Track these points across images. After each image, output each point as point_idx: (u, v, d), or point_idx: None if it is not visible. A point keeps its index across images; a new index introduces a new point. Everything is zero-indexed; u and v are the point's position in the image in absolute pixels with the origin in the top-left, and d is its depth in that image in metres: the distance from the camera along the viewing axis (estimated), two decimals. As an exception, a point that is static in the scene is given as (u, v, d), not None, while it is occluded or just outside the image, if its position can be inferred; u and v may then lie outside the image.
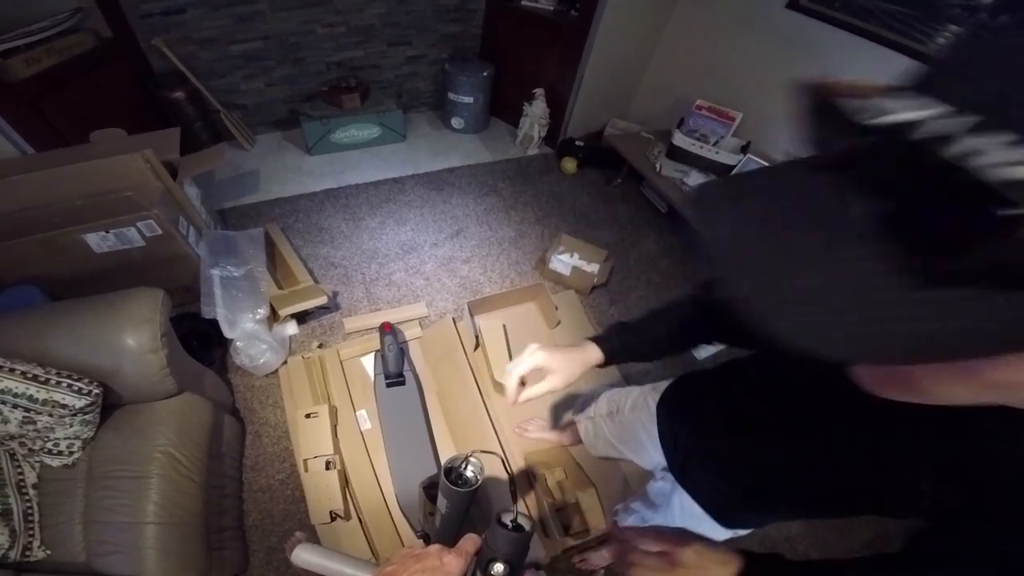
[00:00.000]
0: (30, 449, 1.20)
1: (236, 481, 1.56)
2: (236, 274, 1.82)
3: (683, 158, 2.54)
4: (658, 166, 2.53)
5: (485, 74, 3.00)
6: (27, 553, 1.14)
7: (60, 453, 1.21)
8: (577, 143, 2.98)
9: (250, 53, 2.69)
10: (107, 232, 1.67)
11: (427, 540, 1.36)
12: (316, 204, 2.61)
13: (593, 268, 2.36)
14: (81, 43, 2.15)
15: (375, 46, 2.95)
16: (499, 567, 0.55)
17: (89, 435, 1.23)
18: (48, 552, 1.15)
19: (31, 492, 1.19)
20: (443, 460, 1.64)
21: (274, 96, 2.94)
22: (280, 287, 1.94)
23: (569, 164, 2.96)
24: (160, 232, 1.72)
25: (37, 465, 1.22)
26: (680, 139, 2.51)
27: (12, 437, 1.17)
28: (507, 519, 0.59)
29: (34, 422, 1.14)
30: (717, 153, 2.45)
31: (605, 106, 3.06)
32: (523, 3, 2.85)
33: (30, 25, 1.95)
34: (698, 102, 2.52)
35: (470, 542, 0.57)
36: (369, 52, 2.96)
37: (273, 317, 1.87)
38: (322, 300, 1.89)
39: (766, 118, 2.42)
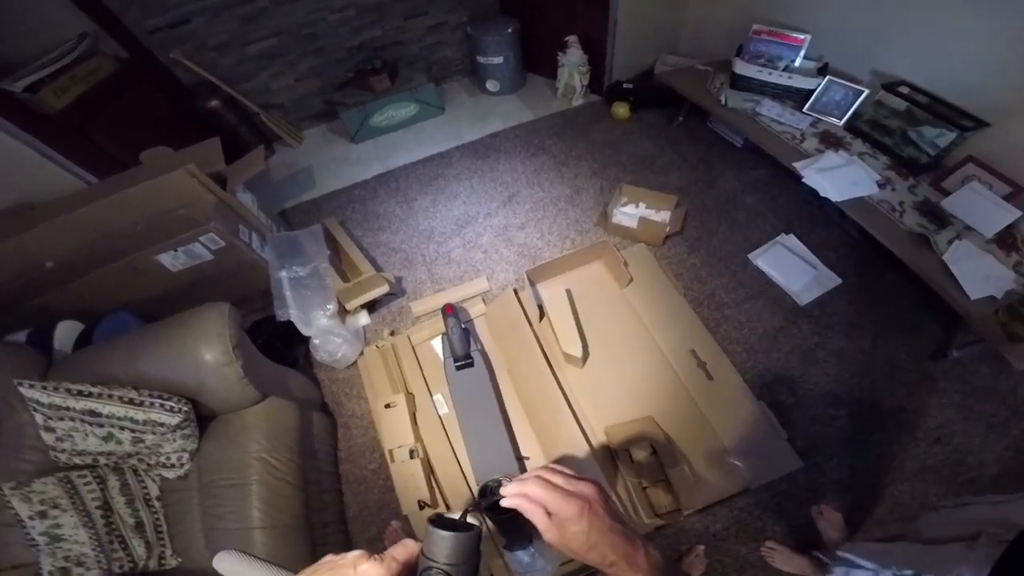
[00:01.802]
0: (148, 464, 1.28)
1: (332, 475, 1.60)
2: (302, 273, 1.83)
3: (750, 87, 2.26)
4: (723, 98, 2.25)
5: (510, 30, 2.80)
6: (162, 562, 1.22)
7: (173, 465, 1.28)
8: (626, 86, 2.73)
9: (268, 51, 2.66)
10: (176, 250, 1.73)
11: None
12: (369, 191, 2.59)
13: (663, 216, 2.18)
14: (102, 67, 2.18)
15: (391, 22, 2.82)
16: None
17: (193, 447, 1.29)
18: (180, 560, 1.23)
19: (156, 504, 1.27)
20: (521, 446, 1.59)
21: (306, 90, 2.91)
22: (346, 279, 1.94)
23: (620, 109, 2.72)
24: (223, 243, 1.75)
25: (157, 478, 1.30)
26: (743, 67, 2.22)
27: (130, 455, 1.24)
28: (452, 516, 0.49)
29: (143, 440, 1.20)
30: (791, 78, 2.15)
31: (650, 43, 2.77)
32: None
33: (41, 57, 1.98)
34: (755, 27, 2.19)
35: (401, 548, 0.47)
36: (387, 29, 2.84)
37: (343, 310, 1.87)
38: (384, 289, 1.86)
39: (842, 34, 2.08)
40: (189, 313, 1.28)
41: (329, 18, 2.66)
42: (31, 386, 1.16)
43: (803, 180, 1.86)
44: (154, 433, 1.19)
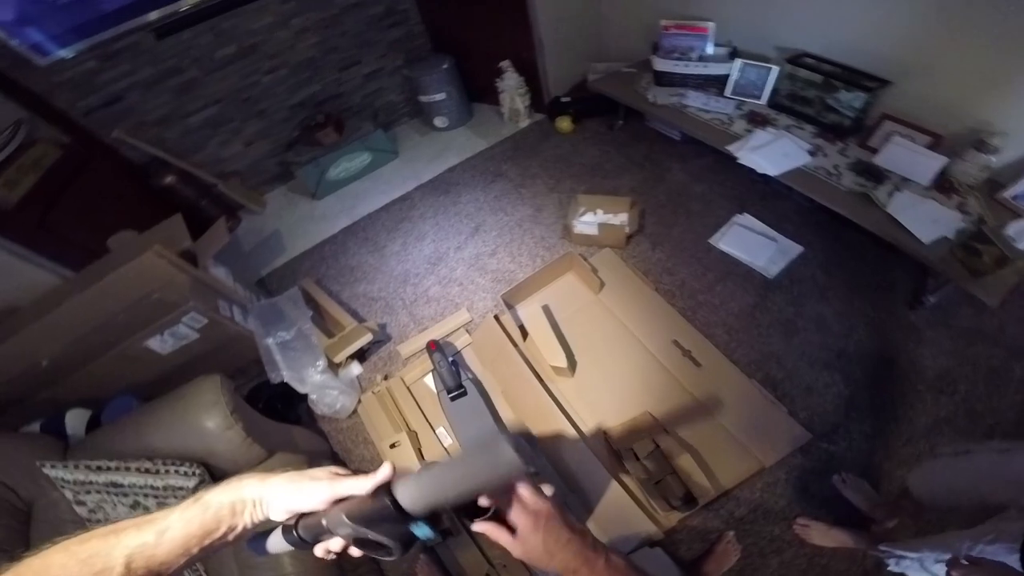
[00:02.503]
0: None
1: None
2: (288, 337, 1.89)
3: (673, 81, 2.40)
4: (651, 97, 2.39)
5: (445, 66, 2.91)
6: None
7: None
8: (564, 99, 2.86)
9: (211, 120, 2.71)
10: (162, 334, 1.77)
11: None
12: (339, 246, 2.65)
13: (622, 218, 2.28)
14: (47, 153, 2.15)
15: (327, 75, 2.91)
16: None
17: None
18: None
19: (199, 566, 1.31)
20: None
21: (258, 154, 2.97)
22: (330, 335, 2.00)
23: (564, 123, 2.86)
24: (206, 320, 1.80)
25: None
26: (661, 63, 2.37)
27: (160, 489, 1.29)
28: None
29: (167, 504, 1.24)
30: (706, 66, 2.29)
31: (577, 53, 2.91)
32: None
33: None
34: (663, 22, 2.34)
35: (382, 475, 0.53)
36: (325, 83, 2.92)
37: (334, 364, 1.93)
38: (368, 337, 1.92)
39: (741, 16, 2.22)
40: (185, 388, 1.36)
41: (263, 80, 2.73)
42: (54, 466, 1.28)
43: (739, 161, 1.99)
44: (175, 496, 1.26)
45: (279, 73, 2.76)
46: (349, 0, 2.74)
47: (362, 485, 0.51)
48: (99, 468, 1.26)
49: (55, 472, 1.27)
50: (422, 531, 0.49)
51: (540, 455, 1.63)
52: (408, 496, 0.48)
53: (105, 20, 2.22)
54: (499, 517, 0.53)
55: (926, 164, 1.76)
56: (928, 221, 1.66)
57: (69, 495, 1.27)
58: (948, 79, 1.72)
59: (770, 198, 2.29)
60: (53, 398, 1.71)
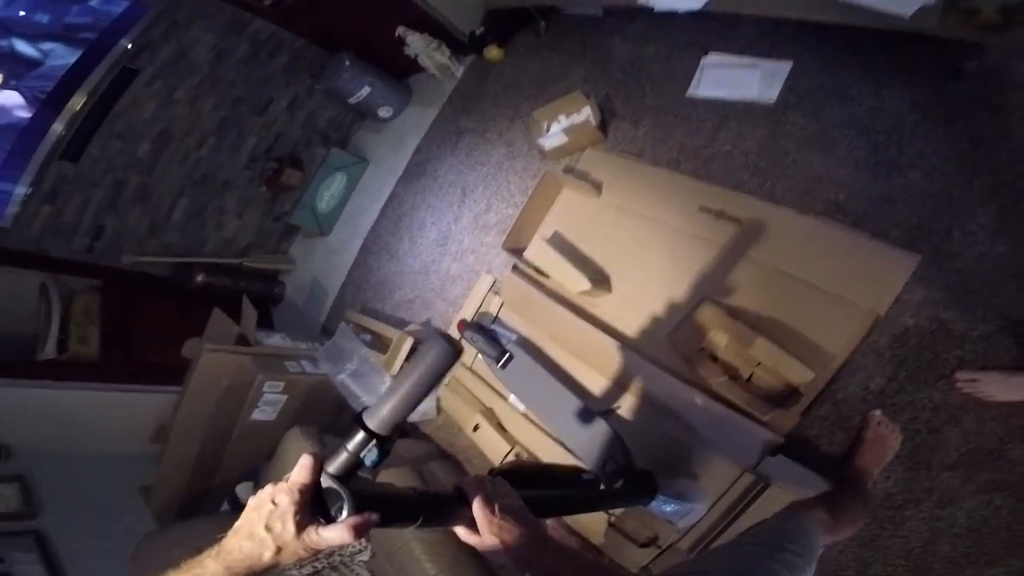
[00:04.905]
0: (344, 556, 1.56)
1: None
2: (354, 367, 2.11)
3: None
4: None
5: (348, 63, 2.82)
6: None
7: (362, 551, 1.57)
8: (478, 32, 2.73)
9: (190, 211, 2.85)
10: (258, 406, 2.04)
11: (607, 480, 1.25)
12: (363, 268, 2.82)
13: (584, 114, 2.19)
14: (89, 301, 2.40)
15: (251, 124, 2.93)
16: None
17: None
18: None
19: None
20: (604, 399, 1.60)
21: (254, 221, 3.11)
22: (385, 351, 2.19)
23: (492, 53, 2.74)
24: (283, 382, 2.05)
25: (360, 565, 1.59)
26: None
27: (329, 554, 1.53)
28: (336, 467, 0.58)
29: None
30: None
31: None
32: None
33: (31, 326, 2.24)
34: None
35: (301, 469, 0.55)
36: (257, 132, 2.95)
37: (399, 374, 2.13)
38: (410, 343, 2.09)
39: None
40: (279, 447, 1.64)
41: (201, 155, 2.79)
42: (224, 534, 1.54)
43: (655, 10, 1.85)
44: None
45: (209, 143, 2.81)
46: (209, 55, 2.68)
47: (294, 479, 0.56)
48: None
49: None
50: (371, 457, 0.58)
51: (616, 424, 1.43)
52: (375, 420, 0.58)
53: (15, 158, 2.37)
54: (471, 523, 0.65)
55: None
56: None
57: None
58: None
59: (726, 30, 2.04)
60: (227, 480, 2.11)
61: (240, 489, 2.06)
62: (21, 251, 2.41)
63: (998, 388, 1.08)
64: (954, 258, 1.27)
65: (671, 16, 1.89)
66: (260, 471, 2.05)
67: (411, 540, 1.41)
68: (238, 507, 1.97)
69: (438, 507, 0.65)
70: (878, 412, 1.20)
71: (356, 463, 0.57)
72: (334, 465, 0.57)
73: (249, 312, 2.22)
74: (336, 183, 3.06)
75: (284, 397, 2.09)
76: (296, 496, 0.54)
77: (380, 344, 2.33)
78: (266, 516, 0.53)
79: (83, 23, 2.45)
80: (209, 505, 2.14)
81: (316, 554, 0.57)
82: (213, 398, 1.95)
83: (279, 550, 0.53)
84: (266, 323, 2.87)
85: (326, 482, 0.56)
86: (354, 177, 3.12)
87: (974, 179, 1.33)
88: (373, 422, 0.58)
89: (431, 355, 0.59)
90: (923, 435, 1.17)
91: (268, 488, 0.56)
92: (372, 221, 2.91)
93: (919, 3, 1.39)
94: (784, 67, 1.87)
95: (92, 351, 2.29)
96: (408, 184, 2.86)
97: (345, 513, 0.54)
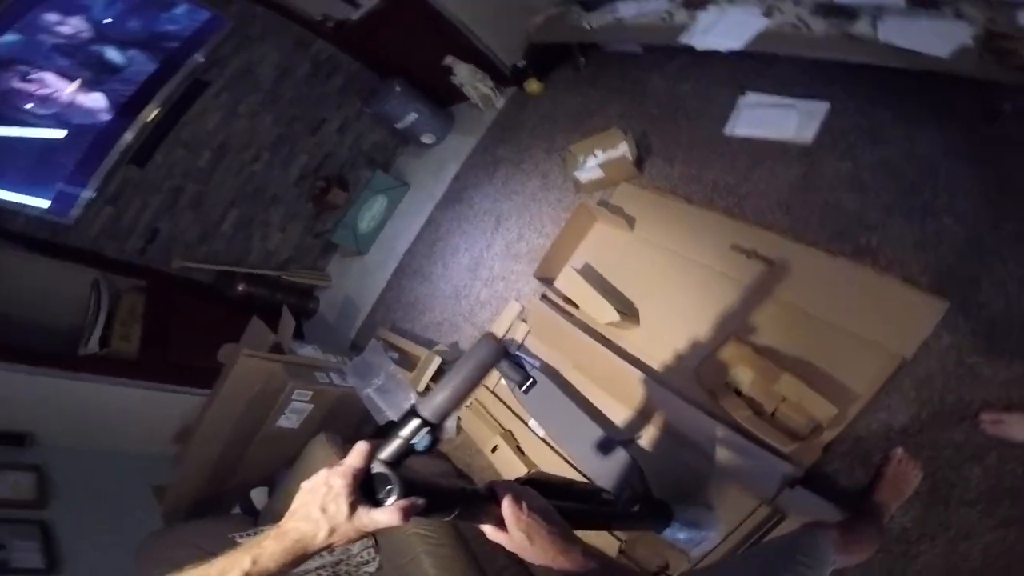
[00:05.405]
0: (351, 567, 1.58)
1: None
2: (381, 382, 2.16)
3: (599, 2, 2.32)
4: (587, 24, 2.33)
5: (399, 89, 2.98)
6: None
7: (368, 561, 1.59)
8: (520, 65, 2.84)
9: (239, 221, 2.99)
10: (284, 413, 2.10)
11: (626, 504, 1.30)
12: (396, 289, 2.90)
13: (621, 150, 2.23)
14: (135, 300, 2.50)
15: (304, 143, 3.08)
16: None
17: (372, 542, 1.61)
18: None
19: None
20: (625, 428, 1.63)
21: (295, 237, 3.24)
22: (413, 369, 2.24)
23: (532, 86, 2.84)
24: (311, 392, 2.11)
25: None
26: None
27: (336, 563, 1.56)
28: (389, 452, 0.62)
29: (332, 550, 1.53)
30: None
31: (507, 17, 2.77)
32: (353, 19, 2.75)
33: (81, 321, 2.30)
34: None
35: (356, 454, 0.59)
36: (308, 151, 3.10)
37: (424, 392, 2.17)
38: (437, 361, 2.13)
39: None
40: (303, 452, 1.68)
41: (254, 169, 2.95)
42: (241, 536, 1.58)
43: (698, 49, 1.89)
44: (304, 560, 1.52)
45: (264, 158, 2.97)
46: (273, 72, 2.87)
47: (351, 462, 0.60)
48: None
49: (243, 541, 1.52)
50: (423, 443, 0.63)
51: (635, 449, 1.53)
52: (429, 409, 0.64)
53: (89, 159, 2.51)
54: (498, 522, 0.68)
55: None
56: (931, 37, 1.43)
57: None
58: None
59: (764, 69, 2.07)
60: (242, 484, 2.15)
61: (255, 493, 2.11)
62: (77, 248, 2.57)
63: (1022, 427, 1.11)
64: (982, 306, 1.28)
65: (710, 54, 1.93)
66: (277, 477, 2.10)
67: (420, 553, 1.43)
68: (250, 511, 2.03)
69: (473, 502, 0.68)
70: (900, 449, 1.23)
71: (407, 450, 0.62)
72: (386, 452, 0.62)
73: (288, 322, 2.32)
74: (377, 205, 3.18)
75: (310, 407, 2.15)
76: (349, 479, 0.57)
77: (408, 362, 2.38)
78: (321, 498, 0.56)
79: (169, 31, 2.65)
80: (220, 508, 2.16)
81: (362, 536, 0.60)
82: (244, 401, 2.03)
83: (332, 531, 0.56)
84: (298, 336, 2.95)
85: (377, 468, 0.60)
86: (394, 200, 3.23)
87: (1004, 225, 1.35)
88: (426, 410, 0.64)
89: (481, 352, 0.67)
90: (944, 472, 1.18)
91: (323, 472, 0.59)
92: (408, 244, 3.00)
93: (957, 44, 1.40)
94: (821, 107, 1.87)
95: (132, 349, 2.39)
96: (445, 210, 2.95)
97: (395, 497, 0.57)
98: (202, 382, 2.36)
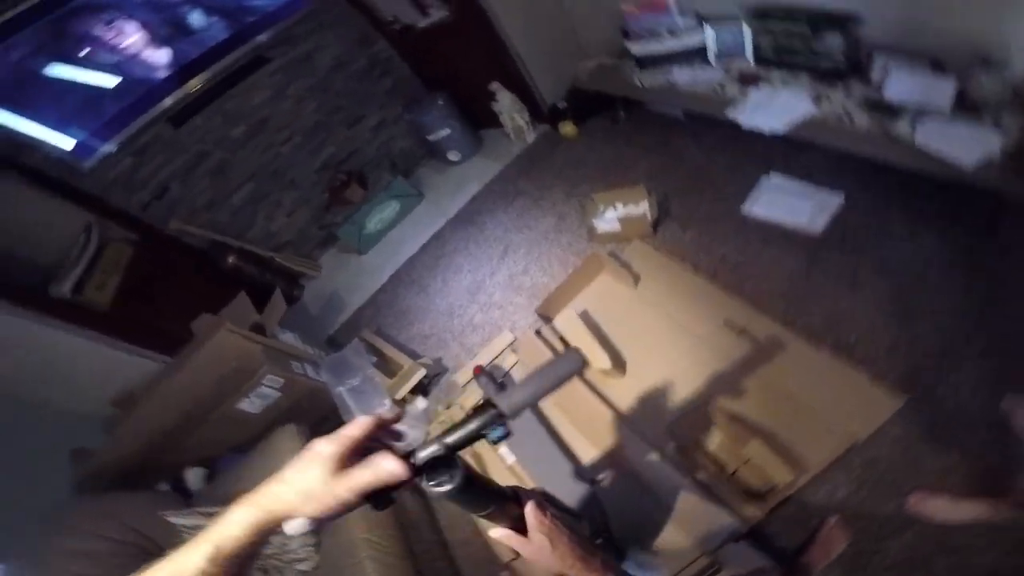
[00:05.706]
0: (283, 562, 1.51)
1: (438, 543, 1.78)
2: (356, 383, 2.09)
3: (655, 62, 2.40)
4: (639, 82, 2.42)
5: (441, 103, 3.06)
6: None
7: (304, 559, 1.52)
8: (561, 105, 2.93)
9: (252, 196, 2.97)
10: (249, 396, 2.01)
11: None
12: (390, 294, 2.86)
13: (642, 208, 2.30)
14: (122, 252, 2.42)
15: (338, 135, 3.12)
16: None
17: (313, 540, 1.54)
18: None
19: None
20: (594, 469, 1.64)
21: (301, 222, 3.23)
22: (392, 376, 2.18)
23: (567, 128, 2.93)
24: (283, 380, 2.04)
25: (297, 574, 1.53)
26: (636, 47, 2.39)
27: (268, 556, 1.50)
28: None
29: (270, 542, 1.44)
30: (679, 40, 2.27)
31: (558, 57, 2.90)
32: (419, 26, 2.84)
33: (63, 259, 2.24)
34: (623, 6, 2.36)
35: (356, 426, 0.57)
36: (338, 143, 3.14)
37: (397, 401, 2.10)
38: (421, 373, 2.09)
39: None
40: (267, 439, 1.65)
41: (282, 150, 2.97)
42: (173, 515, 1.53)
43: (743, 126, 1.97)
44: (275, 532, 1.43)
45: (295, 141, 3.00)
46: (330, 62, 2.95)
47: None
48: (210, 514, 1.47)
49: (175, 519, 1.51)
50: (496, 433, 0.65)
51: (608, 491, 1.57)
52: (506, 403, 0.65)
53: (130, 111, 2.50)
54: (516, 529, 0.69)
55: (937, 88, 1.66)
56: (964, 145, 1.53)
57: (188, 538, 1.48)
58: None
59: (794, 153, 2.18)
60: (177, 461, 2.03)
61: (190, 473, 2.00)
62: (85, 192, 2.52)
63: (944, 509, 1.23)
64: (936, 404, 1.43)
65: (745, 132, 2.01)
66: (221, 461, 2.01)
67: (365, 559, 1.39)
68: (180, 490, 1.93)
69: (503, 502, 0.70)
70: (835, 517, 1.35)
71: (475, 439, 0.63)
72: (453, 437, 0.63)
73: (278, 305, 2.27)
74: (389, 209, 3.19)
75: (278, 395, 2.07)
76: (344, 446, 0.55)
77: (386, 367, 2.32)
78: (304, 462, 0.55)
79: (255, 5, 2.70)
80: (145, 482, 1.99)
81: (345, 510, 0.56)
82: (210, 377, 1.94)
83: (307, 497, 0.54)
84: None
85: (441, 452, 0.61)
86: (407, 208, 3.25)
87: (975, 339, 1.50)
88: (504, 403, 0.65)
89: (568, 363, 0.71)
90: (868, 542, 1.31)
91: (316, 440, 0.57)
92: (411, 253, 2.99)
93: (985, 153, 1.49)
94: (835, 201, 1.98)
95: (104, 300, 2.27)
96: (455, 228, 2.96)
97: (450, 485, 0.60)
98: (164, 348, 2.27)
